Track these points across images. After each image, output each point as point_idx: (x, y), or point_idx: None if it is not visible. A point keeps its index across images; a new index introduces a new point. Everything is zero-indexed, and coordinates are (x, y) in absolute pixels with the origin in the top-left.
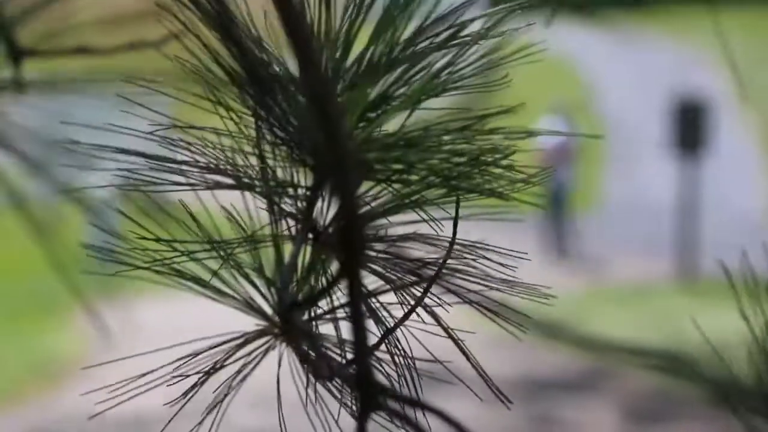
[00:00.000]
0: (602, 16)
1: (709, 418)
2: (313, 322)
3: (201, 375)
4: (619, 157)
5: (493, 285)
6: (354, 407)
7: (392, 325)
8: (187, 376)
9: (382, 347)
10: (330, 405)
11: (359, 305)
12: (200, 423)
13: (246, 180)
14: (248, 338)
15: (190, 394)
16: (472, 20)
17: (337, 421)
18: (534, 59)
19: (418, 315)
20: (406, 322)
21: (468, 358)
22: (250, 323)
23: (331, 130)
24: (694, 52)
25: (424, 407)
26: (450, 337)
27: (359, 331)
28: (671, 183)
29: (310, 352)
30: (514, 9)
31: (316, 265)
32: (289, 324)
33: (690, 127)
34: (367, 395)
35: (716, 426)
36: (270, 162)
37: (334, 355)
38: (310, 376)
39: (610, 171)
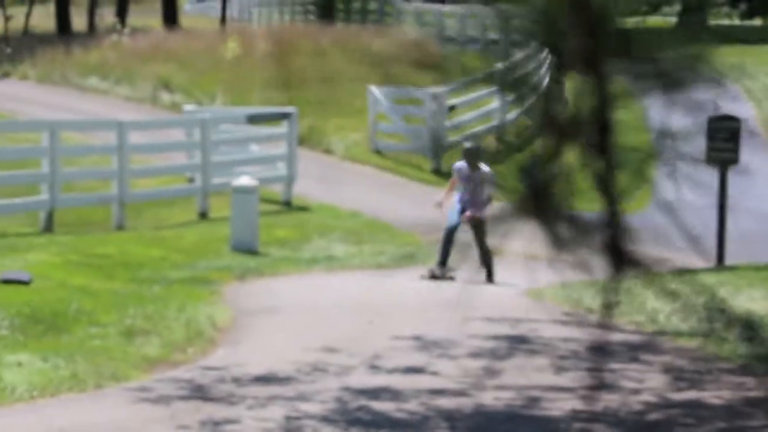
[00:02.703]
0: None
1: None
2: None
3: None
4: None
5: None
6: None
7: None
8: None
9: None
10: None
11: (613, 180)
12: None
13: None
14: (504, 215)
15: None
16: None
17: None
18: None
19: None
20: None
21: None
22: (376, 295)
23: (590, 26)
24: (730, 83)
25: (670, 267)
26: None
27: (612, 202)
28: (709, 189)
29: (561, 224)
30: None
31: (560, 149)
32: (540, 201)
33: (724, 144)
34: (619, 256)
35: (750, 385)
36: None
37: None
38: (563, 244)
39: (659, 178)
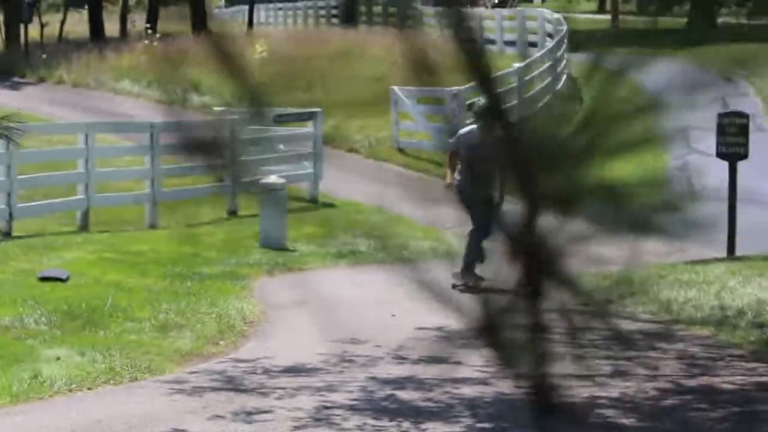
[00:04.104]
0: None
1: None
2: None
3: None
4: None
5: None
6: None
7: None
8: None
9: None
10: None
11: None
12: None
13: None
14: None
15: None
16: None
17: None
18: None
19: None
20: None
21: None
22: (401, 296)
23: None
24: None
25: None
26: None
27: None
28: (720, 181)
29: None
30: None
31: None
32: None
33: (734, 139)
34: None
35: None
36: None
37: None
38: None
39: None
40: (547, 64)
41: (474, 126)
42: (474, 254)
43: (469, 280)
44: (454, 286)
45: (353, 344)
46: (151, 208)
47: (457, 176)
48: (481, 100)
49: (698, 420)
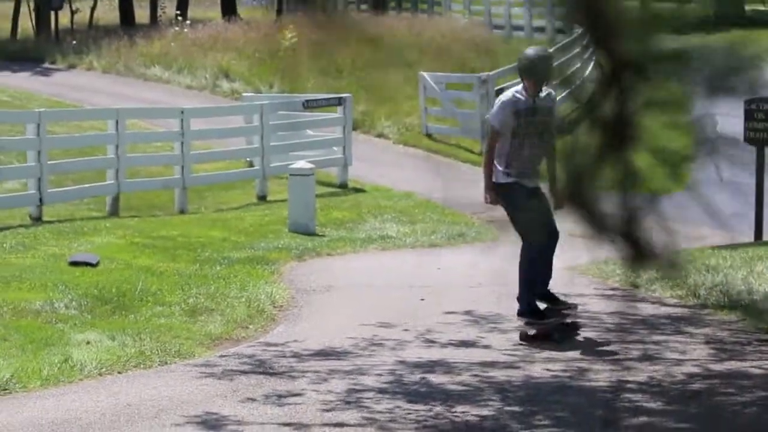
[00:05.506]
0: None
1: None
2: None
3: None
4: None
5: None
6: None
7: None
8: None
9: None
10: None
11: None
12: None
13: None
14: None
15: None
16: None
17: None
18: None
19: None
20: None
21: None
22: (430, 275)
23: None
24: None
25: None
26: None
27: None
28: (748, 168)
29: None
30: None
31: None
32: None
33: (761, 124)
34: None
35: None
36: None
37: None
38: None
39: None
40: (575, 50)
41: (517, 87)
42: (532, 282)
43: (537, 327)
44: (523, 335)
45: (383, 328)
46: (181, 193)
47: (499, 169)
48: (530, 50)
49: (725, 404)
